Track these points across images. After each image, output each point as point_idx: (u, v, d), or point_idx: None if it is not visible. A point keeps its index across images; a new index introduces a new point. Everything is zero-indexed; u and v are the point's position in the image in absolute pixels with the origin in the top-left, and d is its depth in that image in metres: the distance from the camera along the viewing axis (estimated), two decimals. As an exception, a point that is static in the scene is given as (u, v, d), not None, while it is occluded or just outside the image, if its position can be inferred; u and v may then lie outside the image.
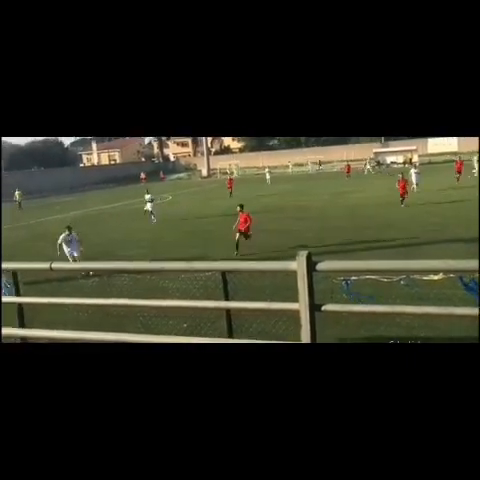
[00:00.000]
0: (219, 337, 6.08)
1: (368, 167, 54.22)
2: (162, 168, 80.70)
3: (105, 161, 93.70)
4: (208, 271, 6.28)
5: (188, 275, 8.16)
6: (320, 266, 3.27)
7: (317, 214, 23.46)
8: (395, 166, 60.03)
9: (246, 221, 15.56)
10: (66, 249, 13.94)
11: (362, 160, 59.52)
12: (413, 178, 28.61)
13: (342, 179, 45.07)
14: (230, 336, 6.38)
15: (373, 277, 6.69)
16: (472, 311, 3.57)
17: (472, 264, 3.12)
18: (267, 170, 51.21)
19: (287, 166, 68.74)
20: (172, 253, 15.73)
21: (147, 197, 24.87)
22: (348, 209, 24.20)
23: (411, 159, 60.00)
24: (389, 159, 64.87)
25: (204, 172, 77.22)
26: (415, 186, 28.31)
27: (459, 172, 32.28)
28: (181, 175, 77.85)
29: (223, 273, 6.38)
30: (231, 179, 37.97)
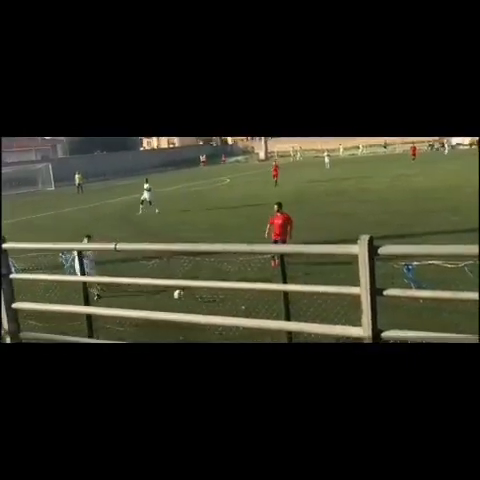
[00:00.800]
0: (276, 319, 6.10)
1: (446, 149, 52.33)
2: (220, 152, 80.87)
3: (164, 145, 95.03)
4: (269, 254, 6.30)
5: (246, 258, 8.21)
6: (382, 250, 3.22)
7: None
8: (461, 147, 57.81)
9: (283, 226, 11.67)
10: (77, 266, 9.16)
11: (425, 142, 57.25)
12: None
13: (408, 161, 43.54)
14: (287, 319, 6.40)
15: (436, 262, 6.54)
16: None
17: None
18: (326, 153, 50.13)
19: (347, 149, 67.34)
20: (233, 236, 15.61)
21: (146, 186, 24.43)
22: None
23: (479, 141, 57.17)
24: (455, 140, 60.80)
25: (261, 155, 75.91)
26: None
27: None
28: (239, 158, 77.90)
29: (281, 256, 6.39)
30: (276, 166, 34.96)
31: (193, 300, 8.25)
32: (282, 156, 71.10)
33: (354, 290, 3.33)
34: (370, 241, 3.21)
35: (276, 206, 12.05)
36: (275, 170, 34.15)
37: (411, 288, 6.54)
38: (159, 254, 10.24)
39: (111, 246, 4.22)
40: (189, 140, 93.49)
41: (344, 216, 18.12)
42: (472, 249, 3.41)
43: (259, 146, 79.21)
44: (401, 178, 31.58)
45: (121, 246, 4.27)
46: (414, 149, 45.79)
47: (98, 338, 6.67)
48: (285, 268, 6.46)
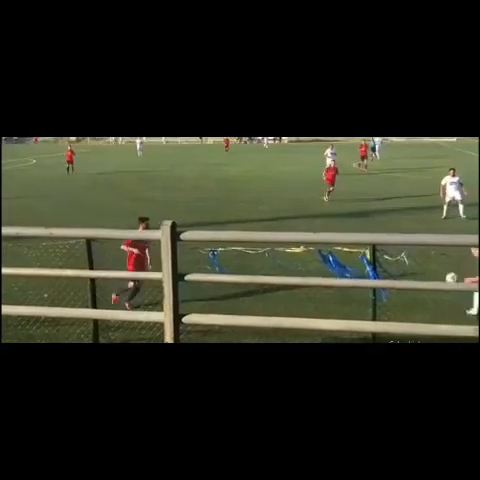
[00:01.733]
0: (81, 307, 5.89)
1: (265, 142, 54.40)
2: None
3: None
4: (71, 239, 6.01)
5: (50, 243, 7.72)
6: (184, 236, 3.27)
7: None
8: (277, 142, 61.78)
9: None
10: None
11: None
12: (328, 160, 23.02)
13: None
14: (94, 306, 6.20)
15: (239, 249, 6.91)
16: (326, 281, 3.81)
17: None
18: (138, 139, 45.14)
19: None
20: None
21: None
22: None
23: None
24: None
25: (73, 138, 73.35)
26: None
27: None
28: (48, 139, 72.61)
29: (88, 241, 6.17)
30: (71, 151, 30.04)
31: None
32: (94, 139, 68.76)
33: (157, 275, 3.34)
34: (173, 227, 3.23)
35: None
36: (69, 156, 29.67)
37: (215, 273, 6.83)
38: None
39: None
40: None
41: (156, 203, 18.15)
42: (272, 235, 3.64)
43: None
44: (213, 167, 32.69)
45: None
46: (227, 141, 46.63)
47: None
48: (92, 254, 6.25)
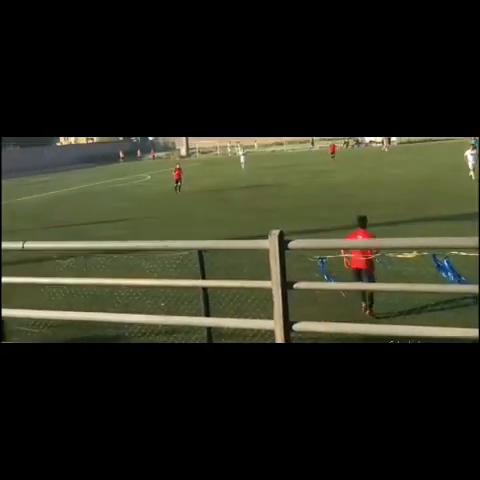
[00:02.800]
0: (196, 316, 6.11)
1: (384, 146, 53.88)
2: (140, 147, 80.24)
3: (83, 140, 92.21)
4: (185, 250, 6.29)
5: (165, 254, 8.14)
6: (292, 244, 3.31)
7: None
8: (374, 145, 62.32)
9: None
10: None
11: (339, 139, 58.93)
12: (469, 162, 23.21)
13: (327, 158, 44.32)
14: (207, 315, 6.42)
15: (347, 255, 6.81)
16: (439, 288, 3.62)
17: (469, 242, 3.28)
18: (241, 151, 48.07)
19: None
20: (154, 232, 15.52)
21: None
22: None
23: (390, 139, 59.53)
24: (368, 138, 65.23)
25: (183, 151, 77.44)
26: (471, 172, 22.87)
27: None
28: (160, 154, 77.32)
29: (200, 252, 6.40)
30: (179, 169, 28.92)
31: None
32: (204, 153, 71.43)
33: (266, 284, 3.40)
34: (280, 236, 3.29)
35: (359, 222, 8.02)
36: (178, 174, 28.65)
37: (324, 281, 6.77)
38: (74, 253, 9.92)
39: (18, 245, 4.05)
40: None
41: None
42: (379, 242, 3.57)
43: (180, 142, 79.41)
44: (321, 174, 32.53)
45: (29, 245, 4.11)
46: (334, 147, 45.55)
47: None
48: (204, 264, 6.48)
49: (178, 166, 29.37)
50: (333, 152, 44.68)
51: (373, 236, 7.28)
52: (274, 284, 3.29)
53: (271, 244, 3.25)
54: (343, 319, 3.72)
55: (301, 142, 69.34)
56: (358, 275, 7.41)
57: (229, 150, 71.59)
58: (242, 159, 43.27)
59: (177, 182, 28.62)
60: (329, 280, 6.82)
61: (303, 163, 43.44)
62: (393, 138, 58.49)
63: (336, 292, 6.47)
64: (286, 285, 3.31)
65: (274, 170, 38.48)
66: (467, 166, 23.34)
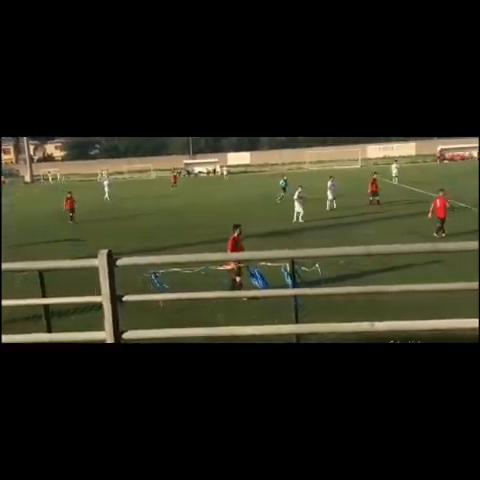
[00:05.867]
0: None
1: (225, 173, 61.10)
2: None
3: None
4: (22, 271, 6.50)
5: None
6: (120, 262, 3.76)
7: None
8: (202, 175, 73.03)
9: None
10: None
11: (173, 169, 65.25)
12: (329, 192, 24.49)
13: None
14: (49, 331, 6.60)
15: (178, 269, 7.53)
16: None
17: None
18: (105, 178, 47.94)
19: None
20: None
21: None
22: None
23: (215, 169, 73.19)
24: (197, 169, 76.22)
25: (27, 178, 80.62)
26: (328, 203, 24.35)
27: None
28: (5, 180, 74.63)
29: (40, 272, 6.57)
30: (71, 198, 25.85)
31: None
32: (47, 179, 77.00)
33: (97, 299, 3.80)
34: (109, 254, 3.72)
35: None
36: (70, 203, 25.58)
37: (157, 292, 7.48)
38: None
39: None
40: None
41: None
42: (203, 256, 4.09)
43: (24, 169, 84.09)
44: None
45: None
46: (175, 177, 50.24)
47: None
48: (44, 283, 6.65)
49: (70, 195, 26.11)
50: (175, 181, 49.06)
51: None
52: (104, 298, 3.70)
53: (100, 263, 3.66)
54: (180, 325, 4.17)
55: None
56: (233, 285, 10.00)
57: (99, 177, 71.34)
58: (106, 188, 39.53)
59: (71, 212, 25.52)
60: (164, 290, 7.56)
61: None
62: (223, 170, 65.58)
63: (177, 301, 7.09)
64: (115, 298, 3.75)
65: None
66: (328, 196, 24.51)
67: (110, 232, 20.91)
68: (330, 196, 24.37)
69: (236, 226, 10.68)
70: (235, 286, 9.87)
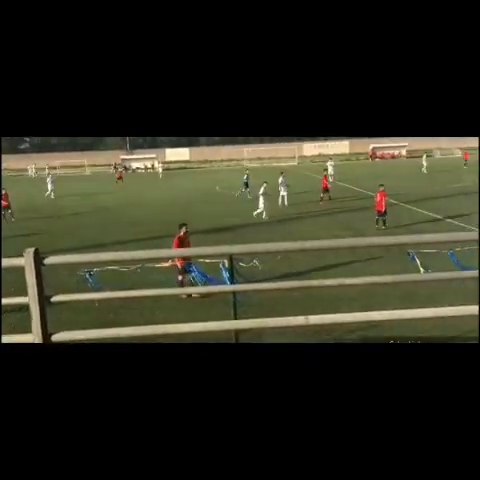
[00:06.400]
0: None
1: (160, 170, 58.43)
2: None
3: None
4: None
5: None
6: (48, 260, 3.58)
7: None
8: (140, 171, 71.00)
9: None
10: None
11: (110, 165, 67.89)
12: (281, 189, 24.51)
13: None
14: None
15: (115, 267, 7.36)
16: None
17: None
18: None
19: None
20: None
21: None
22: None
23: (153, 165, 69.78)
24: (135, 165, 73.78)
25: None
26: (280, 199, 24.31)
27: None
28: None
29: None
30: (6, 194, 24.27)
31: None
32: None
33: (24, 299, 3.61)
34: (36, 253, 3.54)
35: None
36: (5, 200, 24.27)
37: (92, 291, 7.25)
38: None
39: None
40: None
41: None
42: (139, 254, 4.03)
43: None
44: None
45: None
46: (120, 174, 49.36)
47: None
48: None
49: (4, 191, 24.28)
50: (119, 178, 48.41)
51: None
52: (31, 299, 3.52)
53: (26, 261, 3.49)
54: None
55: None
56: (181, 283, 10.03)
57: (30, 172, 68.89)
58: (49, 185, 36.20)
59: (8, 209, 24.29)
60: (99, 289, 7.38)
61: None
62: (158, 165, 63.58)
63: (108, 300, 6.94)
64: (44, 299, 3.58)
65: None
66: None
67: (44, 230, 20.31)
68: (283, 192, 24.26)
69: (182, 225, 10.57)
70: (180, 285, 9.89)
